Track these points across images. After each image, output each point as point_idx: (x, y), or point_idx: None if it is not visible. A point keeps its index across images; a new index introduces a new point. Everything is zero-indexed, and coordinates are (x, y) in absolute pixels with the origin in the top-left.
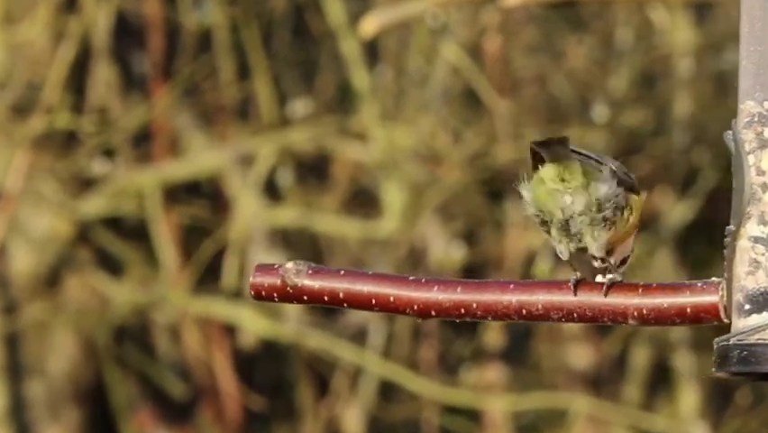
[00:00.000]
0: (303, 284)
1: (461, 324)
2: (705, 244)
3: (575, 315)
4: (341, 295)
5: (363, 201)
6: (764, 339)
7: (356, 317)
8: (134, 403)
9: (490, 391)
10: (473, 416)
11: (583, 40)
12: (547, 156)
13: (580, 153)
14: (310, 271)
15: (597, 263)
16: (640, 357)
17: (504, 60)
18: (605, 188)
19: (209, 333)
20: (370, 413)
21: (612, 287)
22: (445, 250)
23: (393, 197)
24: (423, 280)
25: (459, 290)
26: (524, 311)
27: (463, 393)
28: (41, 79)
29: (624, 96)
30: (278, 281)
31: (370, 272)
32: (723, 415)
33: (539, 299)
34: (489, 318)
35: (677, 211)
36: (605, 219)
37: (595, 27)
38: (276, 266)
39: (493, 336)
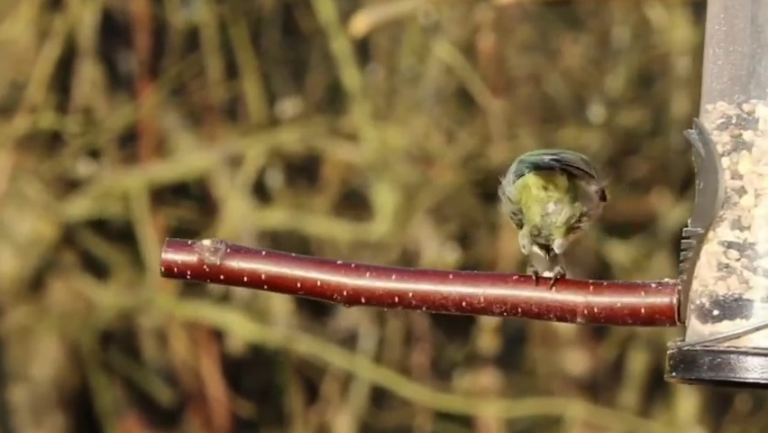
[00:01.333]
0: (222, 264)
1: (455, 328)
2: None
3: (519, 309)
4: (262, 276)
5: (354, 203)
6: (737, 346)
7: (346, 320)
8: (120, 409)
9: (484, 397)
10: (467, 422)
11: (579, 38)
12: (534, 170)
13: (571, 167)
14: (228, 250)
15: (545, 255)
16: (637, 362)
17: (498, 59)
18: (590, 205)
19: (196, 337)
20: (361, 420)
21: (558, 281)
22: (438, 252)
23: (385, 198)
24: (353, 265)
25: (393, 277)
26: (464, 303)
27: (456, 399)
28: (24, 78)
29: (621, 95)
30: (194, 259)
31: (294, 254)
32: (722, 421)
33: (482, 291)
34: (425, 308)
35: (675, 213)
36: (578, 228)
37: (591, 25)
38: (190, 243)
39: (487, 340)
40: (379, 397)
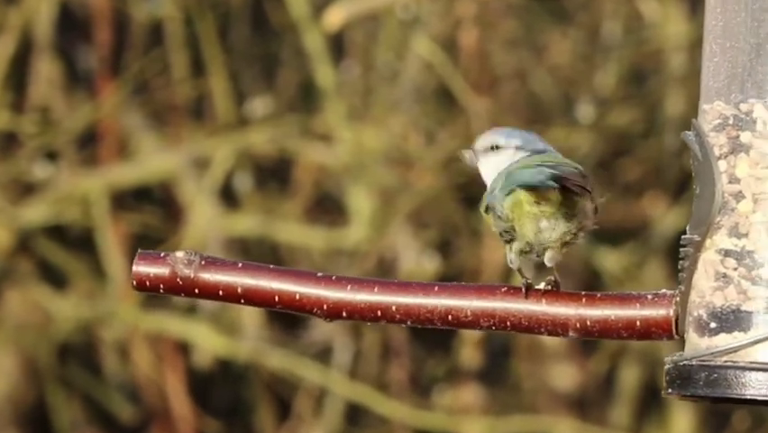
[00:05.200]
0: (196, 276)
1: (436, 342)
2: None
3: (508, 323)
4: (239, 290)
5: (328, 208)
6: (734, 361)
7: (320, 333)
8: (79, 427)
9: (466, 414)
10: None
11: (567, 33)
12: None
13: (572, 183)
14: (203, 262)
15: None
16: (629, 377)
17: (481, 55)
18: (586, 220)
19: (161, 351)
20: None
21: (549, 293)
22: (417, 261)
23: (361, 203)
24: (333, 277)
25: (376, 289)
26: (450, 317)
27: (437, 417)
28: None
29: (611, 94)
30: (167, 272)
31: (272, 266)
32: None
33: (469, 304)
34: (410, 323)
35: (669, 218)
36: (571, 244)
37: (580, 19)
38: (163, 255)
39: (469, 353)
40: (355, 414)
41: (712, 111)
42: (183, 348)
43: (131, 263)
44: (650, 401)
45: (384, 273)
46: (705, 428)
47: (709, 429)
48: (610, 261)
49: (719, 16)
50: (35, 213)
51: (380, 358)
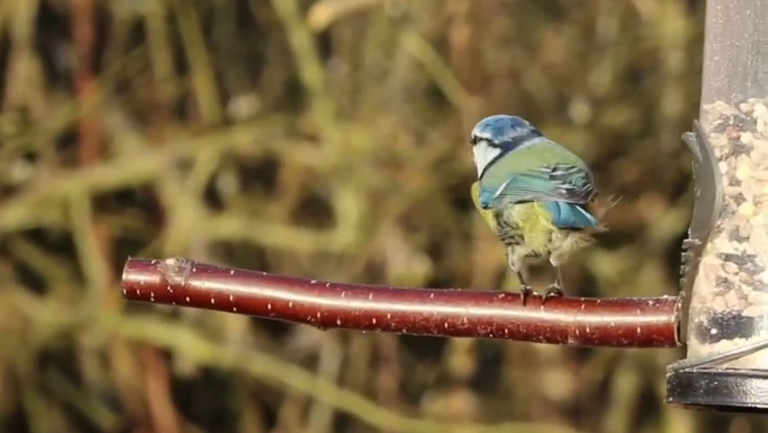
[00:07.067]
0: (186, 284)
1: (426, 348)
2: None
3: (506, 331)
4: (230, 298)
5: (315, 210)
6: (735, 368)
7: (307, 339)
8: None
9: (457, 423)
10: None
11: (562, 30)
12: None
13: (587, 199)
14: (194, 270)
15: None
16: (624, 384)
17: (473, 53)
18: (594, 228)
19: (143, 358)
20: None
21: (550, 300)
22: (407, 264)
23: (349, 205)
24: (327, 284)
25: (371, 297)
26: (446, 325)
27: (427, 425)
28: None
29: (607, 93)
30: (157, 279)
31: (265, 274)
32: None
33: (465, 311)
34: (405, 331)
35: (666, 221)
36: (578, 248)
37: (575, 16)
38: (154, 262)
39: (460, 360)
40: (343, 422)
41: (713, 111)
42: (166, 355)
43: (112, 267)
44: (646, 409)
45: (373, 277)
46: None
47: None
48: (606, 264)
49: (719, 14)
50: (14, 215)
51: (369, 365)
